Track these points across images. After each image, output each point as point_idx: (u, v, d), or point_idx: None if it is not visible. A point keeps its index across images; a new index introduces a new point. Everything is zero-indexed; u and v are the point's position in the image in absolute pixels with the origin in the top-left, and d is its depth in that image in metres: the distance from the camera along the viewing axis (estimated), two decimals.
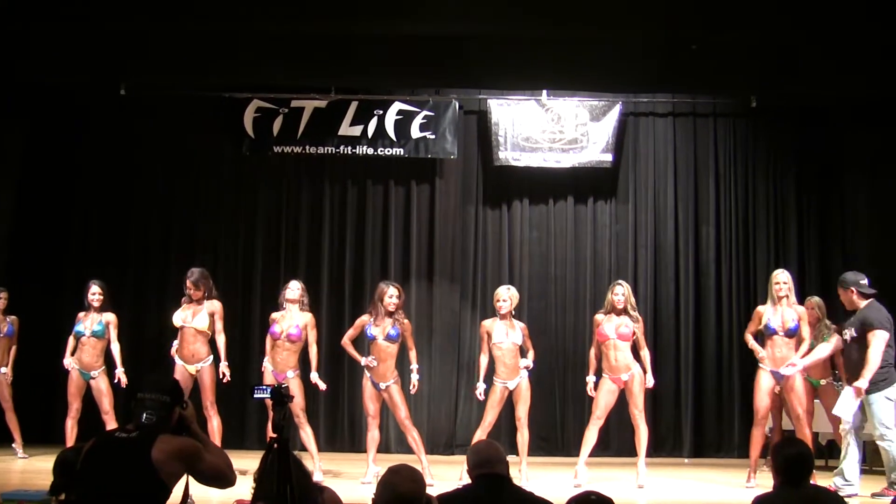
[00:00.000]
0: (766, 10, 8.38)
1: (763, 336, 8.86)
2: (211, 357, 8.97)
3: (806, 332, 8.70)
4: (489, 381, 8.97)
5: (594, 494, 3.62)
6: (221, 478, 3.96)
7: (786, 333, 8.61)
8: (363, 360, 8.87)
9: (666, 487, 8.88)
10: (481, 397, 9.07)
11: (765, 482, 8.68)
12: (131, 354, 9.98)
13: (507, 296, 8.91)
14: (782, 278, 8.76)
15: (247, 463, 9.38)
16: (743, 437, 10.79)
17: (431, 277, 11.52)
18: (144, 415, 3.91)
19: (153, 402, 3.92)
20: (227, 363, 8.97)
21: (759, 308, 8.91)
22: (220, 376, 8.94)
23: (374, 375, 8.86)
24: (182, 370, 8.93)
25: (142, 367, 10.57)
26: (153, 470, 3.73)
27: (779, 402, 9.37)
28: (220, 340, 8.99)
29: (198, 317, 8.97)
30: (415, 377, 8.94)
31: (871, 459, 9.56)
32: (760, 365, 8.75)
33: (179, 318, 9.03)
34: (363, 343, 9.18)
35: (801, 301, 9.44)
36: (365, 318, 9.02)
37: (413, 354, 8.99)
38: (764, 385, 8.70)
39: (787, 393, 8.69)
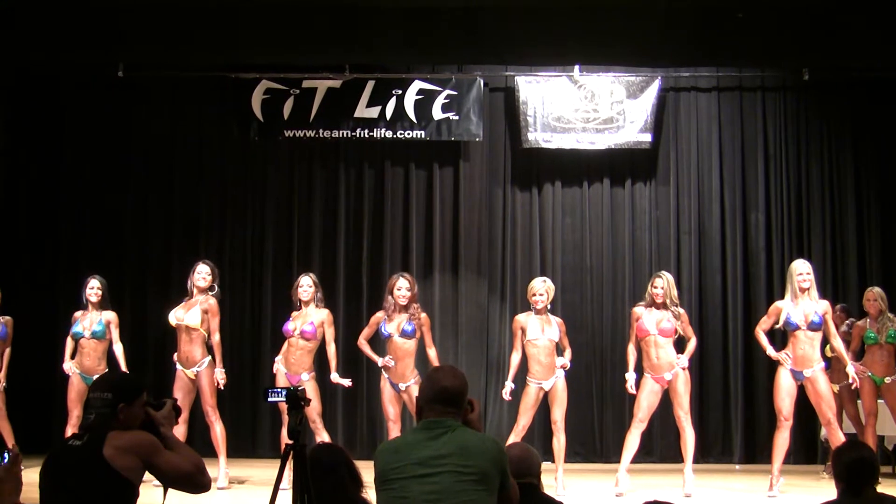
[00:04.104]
0: None
1: (783, 334, 8.83)
2: (208, 359, 8.92)
3: (833, 327, 8.68)
4: (521, 380, 8.94)
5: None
6: (186, 479, 3.95)
7: (809, 327, 8.52)
8: (380, 361, 8.86)
9: (715, 496, 8.82)
10: (508, 398, 9.05)
11: (788, 490, 8.70)
12: (133, 356, 9.96)
13: (543, 289, 8.87)
14: (805, 269, 8.68)
15: (259, 472, 9.45)
16: (800, 441, 10.72)
17: (456, 269, 11.47)
18: (89, 416, 3.96)
19: (96, 401, 3.95)
20: (222, 368, 8.93)
21: (778, 303, 8.81)
22: (216, 383, 8.91)
23: (393, 376, 8.84)
24: (181, 375, 8.94)
25: (145, 369, 10.61)
26: (109, 469, 3.76)
27: (840, 404, 9.32)
28: (215, 340, 8.95)
29: (191, 312, 8.95)
30: None
31: None
32: (781, 363, 8.68)
33: (174, 315, 9.04)
34: (381, 342, 9.16)
35: (861, 291, 9.37)
36: (379, 314, 9.02)
37: (433, 353, 8.94)
38: (784, 385, 8.62)
39: (813, 397, 8.65)
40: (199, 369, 8.89)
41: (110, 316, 9.39)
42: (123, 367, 9.25)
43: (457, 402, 3.83)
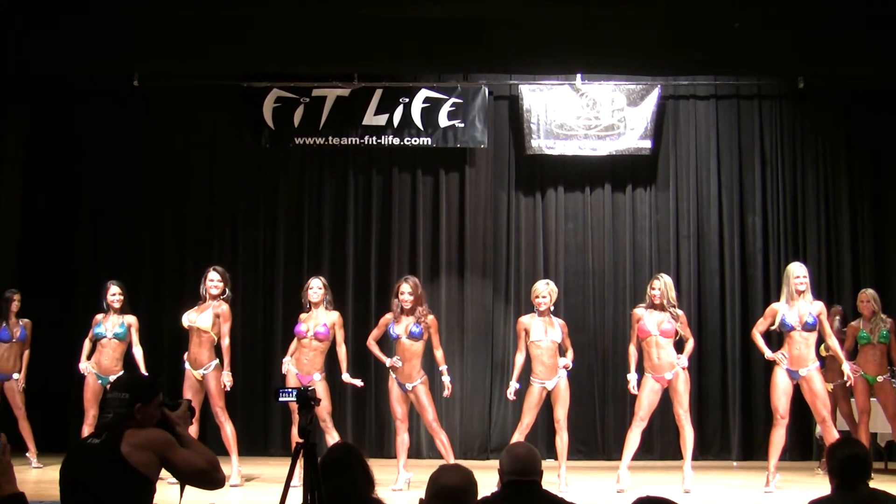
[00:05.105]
0: None
1: (779, 335, 8.87)
2: (215, 361, 8.92)
3: (828, 327, 8.70)
4: (525, 381, 8.95)
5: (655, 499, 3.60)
6: (200, 475, 3.99)
7: (804, 328, 8.52)
8: (388, 361, 8.87)
9: (713, 492, 8.82)
10: (513, 398, 9.06)
11: (784, 485, 8.72)
12: (148, 358, 9.98)
13: (546, 291, 8.88)
14: (802, 272, 8.69)
15: (271, 470, 9.47)
16: (796, 438, 10.71)
17: (462, 272, 11.49)
18: (106, 415, 4.02)
19: (114, 401, 4.02)
20: (229, 372, 8.93)
21: (774, 305, 8.81)
22: (223, 385, 8.93)
23: (400, 376, 8.86)
24: (189, 375, 8.95)
25: (159, 371, 10.63)
26: (126, 465, 3.81)
27: (834, 402, 9.32)
28: (224, 344, 8.96)
29: (203, 315, 8.96)
30: (446, 379, 8.90)
31: None
32: (777, 364, 8.70)
33: (187, 318, 9.06)
34: (389, 343, 9.18)
35: (855, 293, 9.37)
36: (388, 316, 9.02)
37: (440, 354, 8.95)
38: (780, 383, 8.62)
39: (808, 395, 8.66)
40: (206, 372, 8.89)
41: (132, 319, 9.47)
42: (143, 370, 9.29)
43: (460, 501, 3.70)
